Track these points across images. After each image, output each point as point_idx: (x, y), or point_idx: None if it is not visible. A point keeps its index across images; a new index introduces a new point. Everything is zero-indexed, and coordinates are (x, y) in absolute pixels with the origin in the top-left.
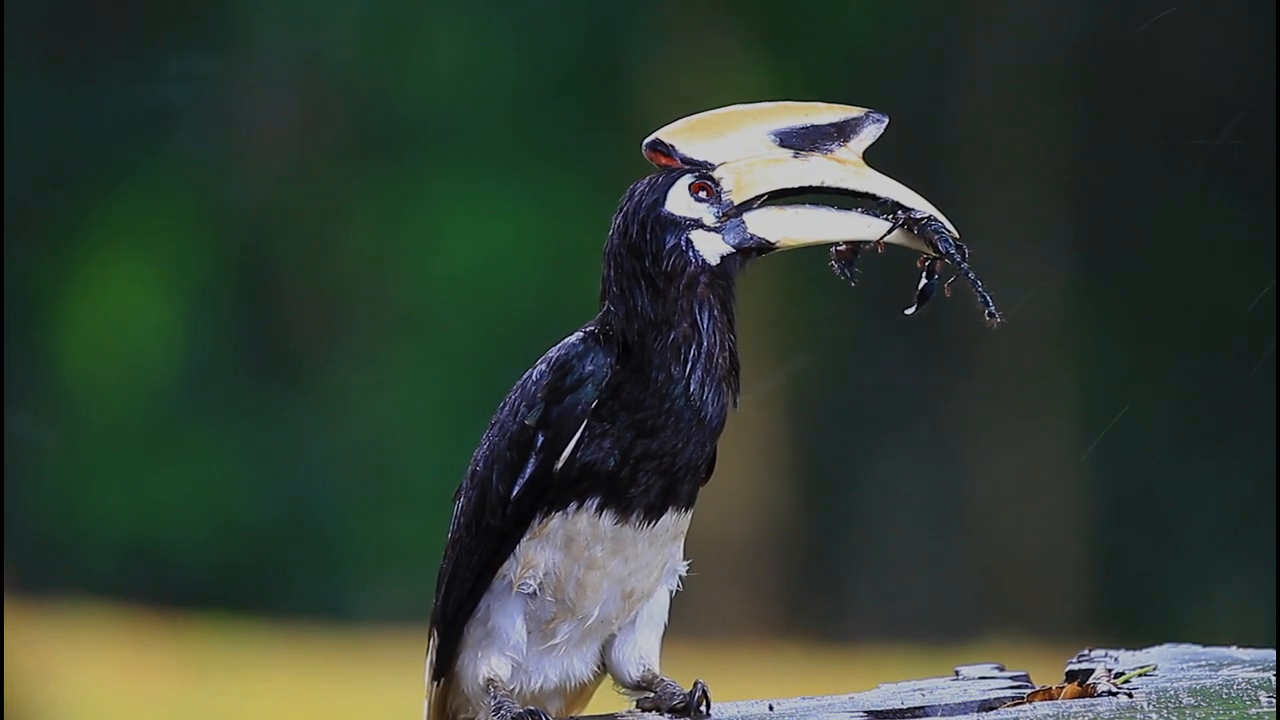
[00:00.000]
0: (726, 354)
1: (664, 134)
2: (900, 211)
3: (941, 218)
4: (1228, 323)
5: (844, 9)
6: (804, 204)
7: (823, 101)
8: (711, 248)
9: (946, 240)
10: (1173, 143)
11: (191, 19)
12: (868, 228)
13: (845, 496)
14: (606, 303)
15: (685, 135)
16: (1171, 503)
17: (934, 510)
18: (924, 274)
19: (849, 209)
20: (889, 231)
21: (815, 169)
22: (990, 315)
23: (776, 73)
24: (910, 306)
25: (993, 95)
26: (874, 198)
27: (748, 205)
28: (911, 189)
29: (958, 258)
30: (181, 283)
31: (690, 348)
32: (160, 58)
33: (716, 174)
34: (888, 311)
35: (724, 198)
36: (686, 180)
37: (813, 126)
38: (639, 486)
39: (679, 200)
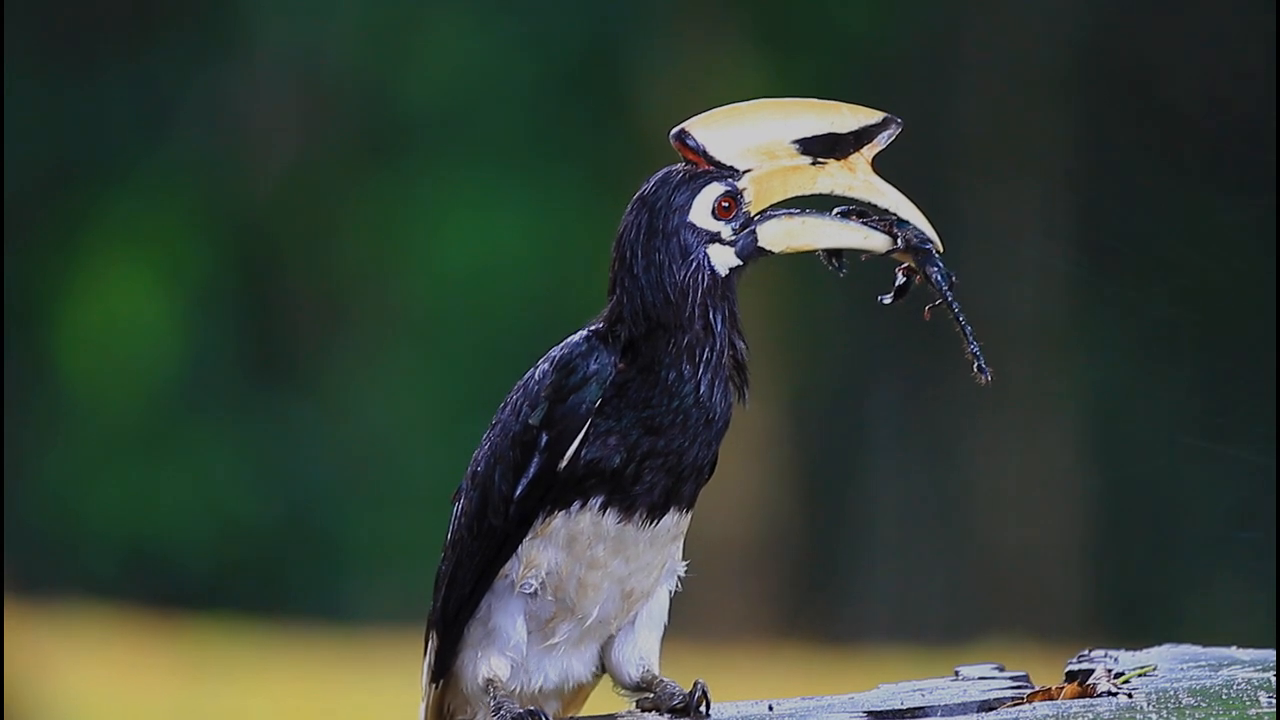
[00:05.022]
0: (734, 354)
1: (692, 128)
2: (898, 230)
3: (934, 236)
4: (1228, 322)
5: (845, 8)
6: (807, 211)
7: (827, 100)
8: (724, 260)
9: (939, 270)
10: (1173, 141)
11: (191, 19)
12: (866, 239)
13: (845, 497)
14: (615, 294)
15: (713, 131)
16: (1171, 502)
17: (934, 510)
18: (901, 273)
19: (848, 216)
20: (889, 252)
21: (829, 178)
22: (980, 371)
23: (777, 71)
24: (887, 295)
25: (993, 95)
26: (877, 208)
27: (761, 215)
28: (912, 200)
29: (945, 289)
30: (181, 283)
31: (703, 349)
32: (160, 58)
33: (741, 184)
34: (887, 312)
35: (743, 210)
36: (714, 193)
37: (833, 133)
38: (644, 485)
39: (703, 212)
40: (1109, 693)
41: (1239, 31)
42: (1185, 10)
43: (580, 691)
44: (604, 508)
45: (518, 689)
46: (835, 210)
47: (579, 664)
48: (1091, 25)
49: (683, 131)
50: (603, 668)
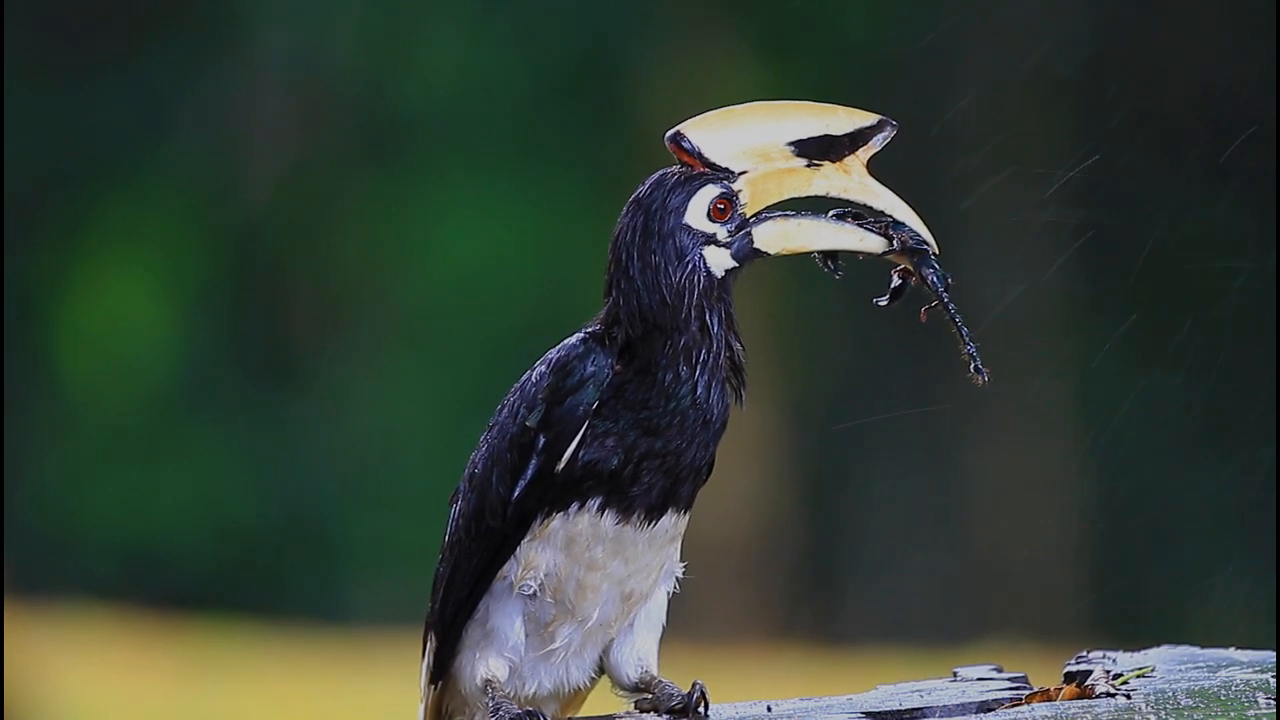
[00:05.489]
0: (731, 356)
1: (687, 130)
2: (894, 231)
3: (930, 238)
4: (1228, 323)
5: (844, 9)
6: (803, 213)
7: (823, 103)
8: (720, 262)
9: (935, 272)
10: (1172, 143)
11: (190, 20)
12: (861, 241)
13: (843, 498)
14: (611, 296)
15: (708, 134)
16: (1171, 503)
17: (932, 511)
18: (896, 275)
19: (844, 218)
20: (884, 254)
21: (824, 180)
22: (977, 371)
23: (775, 73)
24: (882, 297)
25: (989, 97)
26: (872, 210)
27: (756, 216)
28: (908, 202)
29: (941, 290)
30: (180, 283)
31: (700, 351)
32: (158, 60)
33: (737, 186)
34: (885, 314)
35: (738, 212)
36: (709, 195)
37: (828, 135)
38: (641, 486)
39: (698, 214)
40: (1107, 694)
41: (1239, 32)
42: (1185, 11)
43: (578, 694)
44: (602, 509)
45: (514, 692)
46: (831, 212)
47: (577, 670)
48: (1090, 27)
49: (678, 134)
50: (601, 669)
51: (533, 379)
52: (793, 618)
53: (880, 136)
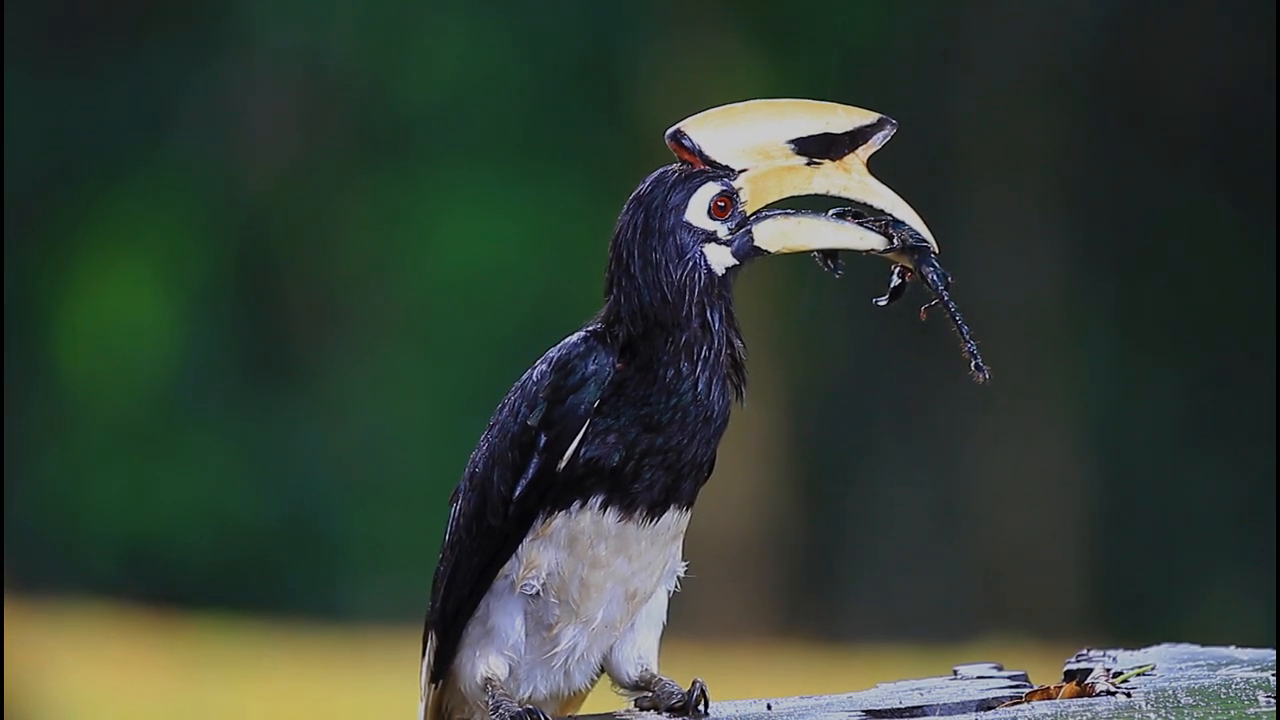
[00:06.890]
0: (732, 353)
1: (688, 128)
2: (894, 230)
3: (929, 236)
4: (1228, 322)
5: (844, 8)
6: (803, 212)
7: (823, 101)
8: (720, 260)
9: (935, 270)
10: (1172, 141)
11: (191, 19)
12: (861, 240)
13: (844, 496)
14: (612, 294)
15: (709, 132)
16: (1171, 503)
17: (933, 510)
18: (896, 274)
19: (844, 217)
20: (884, 251)
21: (824, 179)
22: (978, 369)
23: (776, 71)
24: (882, 297)
25: (993, 95)
26: (872, 208)
27: (757, 215)
28: (908, 200)
29: (941, 289)
30: (180, 282)
31: (701, 347)
32: (159, 58)
33: (737, 184)
34: (886, 312)
35: (739, 210)
36: (710, 193)
37: (828, 133)
38: (643, 482)
39: (699, 212)
40: (1107, 692)
41: (1239, 33)
42: (1184, 11)
43: (578, 694)
44: (604, 506)
45: (513, 691)
46: (831, 211)
47: (579, 675)
48: (1090, 26)
49: (678, 131)
50: (601, 669)
51: (534, 378)
52: (793, 616)
53: (880, 135)
